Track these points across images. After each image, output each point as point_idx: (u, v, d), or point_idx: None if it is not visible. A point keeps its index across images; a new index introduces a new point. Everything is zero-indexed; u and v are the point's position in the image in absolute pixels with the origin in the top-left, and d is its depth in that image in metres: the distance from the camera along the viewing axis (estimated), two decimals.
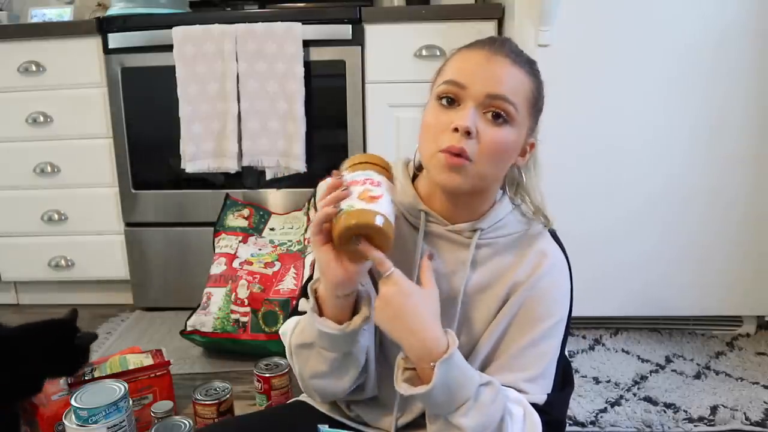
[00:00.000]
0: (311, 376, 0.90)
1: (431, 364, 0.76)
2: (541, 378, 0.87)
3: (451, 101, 0.82)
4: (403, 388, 0.80)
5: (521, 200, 0.92)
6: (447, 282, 0.89)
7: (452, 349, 0.77)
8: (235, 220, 1.96)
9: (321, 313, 0.84)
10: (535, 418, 0.83)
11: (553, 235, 0.94)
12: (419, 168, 0.94)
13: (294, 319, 0.95)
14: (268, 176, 1.98)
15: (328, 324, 0.82)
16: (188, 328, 1.74)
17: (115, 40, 1.92)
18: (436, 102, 0.83)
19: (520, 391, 0.86)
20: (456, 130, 0.79)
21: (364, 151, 1.97)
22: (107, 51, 1.94)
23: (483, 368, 0.90)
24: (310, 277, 1.01)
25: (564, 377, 0.94)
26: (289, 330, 0.94)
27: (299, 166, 1.92)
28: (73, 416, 1.16)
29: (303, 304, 0.99)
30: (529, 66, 0.84)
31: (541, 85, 0.86)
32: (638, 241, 1.74)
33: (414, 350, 0.78)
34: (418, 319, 0.78)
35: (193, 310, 1.78)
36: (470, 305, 0.89)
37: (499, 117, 0.80)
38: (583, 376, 1.60)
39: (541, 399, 0.86)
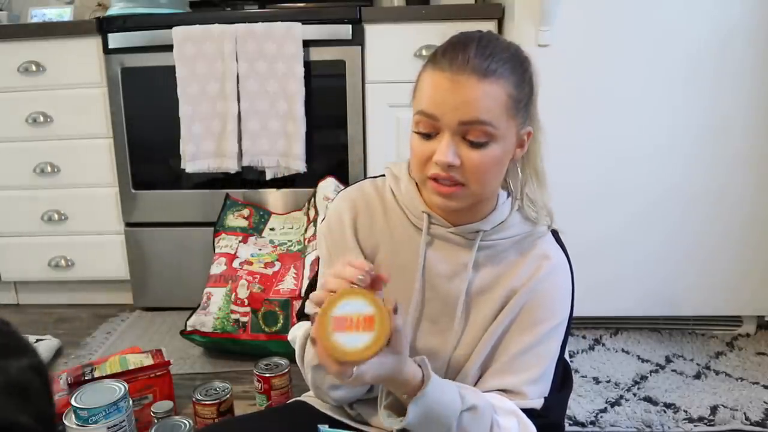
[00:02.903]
0: (330, 389, 0.90)
1: (409, 392, 0.76)
2: (541, 380, 0.87)
3: (429, 131, 0.80)
4: (383, 415, 0.79)
5: (524, 199, 0.91)
6: (449, 284, 0.89)
7: (425, 386, 0.76)
8: (235, 220, 1.96)
9: None
10: (530, 428, 0.83)
11: (555, 236, 0.93)
12: None
13: (302, 325, 0.95)
14: (268, 176, 1.98)
15: None
16: (188, 328, 1.74)
17: (115, 40, 1.92)
18: (415, 131, 0.82)
19: (518, 393, 0.86)
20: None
21: (365, 152, 1.97)
22: (107, 51, 1.94)
23: (483, 370, 0.90)
24: (315, 277, 1.02)
25: (563, 378, 0.94)
26: (298, 337, 0.94)
27: (299, 166, 1.92)
28: (73, 416, 1.16)
29: (309, 307, 0.99)
30: (503, 66, 0.79)
31: (523, 75, 0.81)
32: (639, 241, 1.74)
33: (392, 385, 0.77)
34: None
35: (193, 310, 1.78)
36: (472, 307, 0.89)
37: (479, 139, 0.78)
38: (583, 376, 1.60)
39: (539, 403, 0.86)
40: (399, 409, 0.79)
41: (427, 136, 0.81)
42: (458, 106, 0.77)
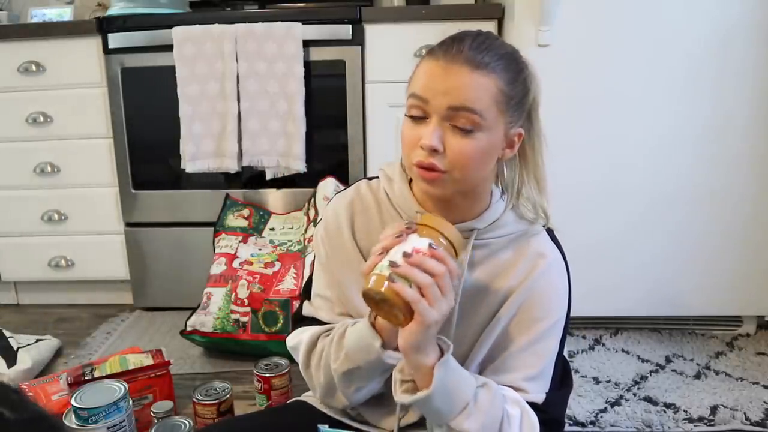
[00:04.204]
0: (356, 391, 0.90)
1: (429, 370, 0.76)
2: (540, 377, 0.88)
3: (419, 115, 0.82)
4: (402, 398, 0.79)
5: (519, 198, 0.91)
6: None
7: (447, 353, 0.77)
8: (235, 220, 1.96)
9: (383, 343, 0.83)
10: (533, 418, 0.83)
11: (551, 234, 0.93)
12: None
13: (305, 330, 0.95)
14: (268, 176, 1.98)
15: (395, 356, 0.82)
16: (188, 328, 1.74)
17: (115, 40, 1.92)
18: (407, 116, 0.84)
19: (518, 389, 0.86)
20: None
21: (365, 152, 1.97)
22: (107, 51, 1.94)
23: (481, 369, 0.90)
24: (310, 280, 1.01)
25: (563, 376, 0.94)
26: (303, 342, 0.93)
27: (299, 166, 1.92)
28: (73, 416, 1.16)
29: (307, 309, 0.99)
30: (496, 61, 0.80)
31: (518, 74, 0.82)
32: (640, 241, 1.74)
33: (412, 360, 0.78)
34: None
35: (193, 310, 1.78)
36: (468, 306, 0.89)
37: (465, 126, 0.79)
38: (583, 376, 1.60)
39: (540, 398, 0.87)
40: (414, 390, 0.79)
41: (417, 120, 0.82)
42: (448, 91, 0.79)
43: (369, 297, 0.76)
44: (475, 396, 0.79)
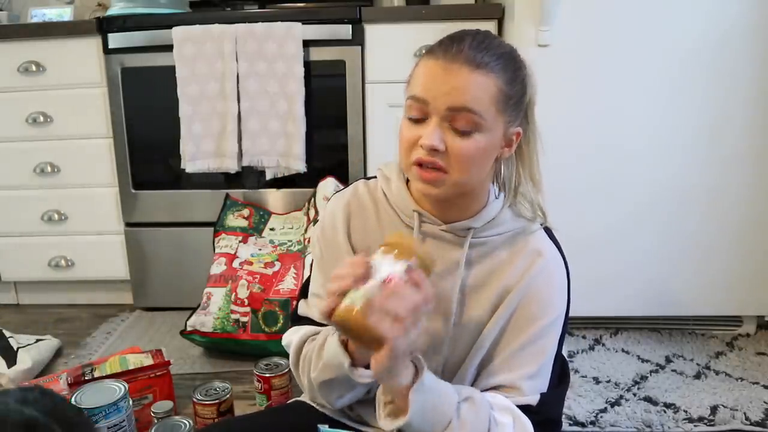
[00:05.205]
0: (338, 398, 0.91)
1: (405, 391, 0.76)
2: (538, 376, 0.88)
3: (419, 117, 0.82)
4: (386, 423, 0.79)
5: (516, 196, 0.91)
6: (442, 281, 0.89)
7: (422, 374, 0.77)
8: (235, 220, 1.96)
9: (353, 361, 0.82)
10: (526, 424, 0.83)
11: (549, 232, 0.93)
12: None
13: (297, 330, 0.95)
14: (268, 176, 1.98)
15: (366, 374, 0.82)
16: (188, 328, 1.74)
17: (115, 40, 1.92)
18: (406, 116, 0.84)
19: (516, 389, 0.86)
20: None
21: (365, 152, 1.97)
22: (107, 51, 1.94)
23: (481, 368, 0.90)
24: (308, 280, 1.02)
25: (560, 375, 0.94)
26: (293, 343, 0.94)
27: (299, 166, 1.92)
28: None
29: (302, 308, 0.99)
30: (496, 61, 0.80)
31: (516, 73, 0.83)
32: (639, 240, 1.74)
33: (386, 384, 0.78)
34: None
35: (193, 310, 1.78)
36: (466, 305, 0.89)
37: (465, 127, 0.79)
38: (583, 376, 1.60)
39: (534, 400, 0.86)
40: (399, 414, 0.79)
41: (417, 121, 0.82)
42: (448, 92, 0.79)
43: (338, 326, 0.74)
44: (458, 411, 0.79)
